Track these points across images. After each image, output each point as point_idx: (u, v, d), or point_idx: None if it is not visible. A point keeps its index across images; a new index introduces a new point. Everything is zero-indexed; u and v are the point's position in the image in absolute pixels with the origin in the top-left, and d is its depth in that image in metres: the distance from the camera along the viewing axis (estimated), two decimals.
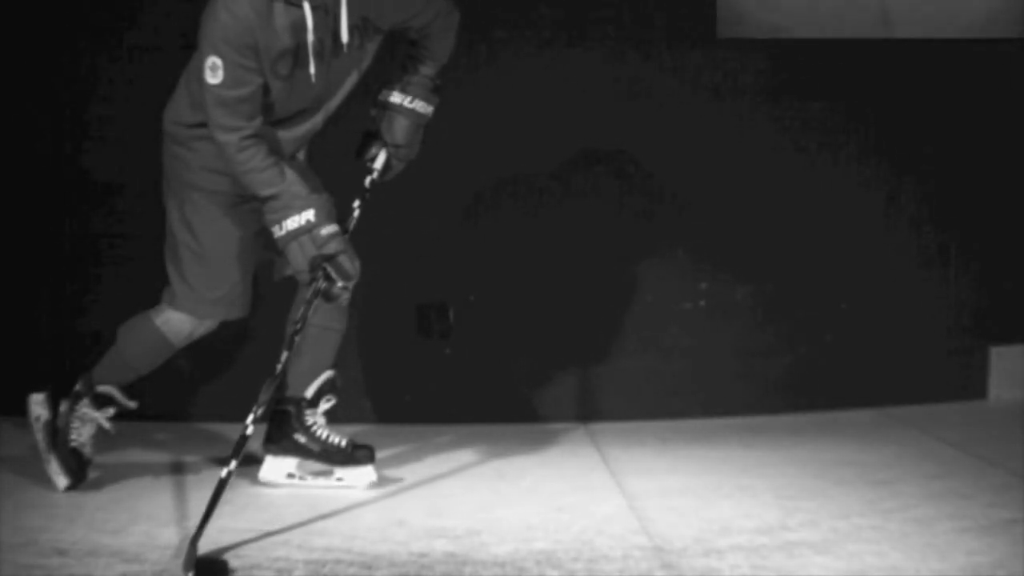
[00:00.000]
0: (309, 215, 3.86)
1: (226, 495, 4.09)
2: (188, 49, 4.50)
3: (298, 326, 3.90)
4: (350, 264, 3.88)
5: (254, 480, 4.25)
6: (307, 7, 3.81)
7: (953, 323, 5.46)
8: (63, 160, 5.06)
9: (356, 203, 4.03)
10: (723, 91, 5.26)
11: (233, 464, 3.67)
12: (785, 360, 5.36)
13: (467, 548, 3.57)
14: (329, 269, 3.87)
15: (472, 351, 5.18)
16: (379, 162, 4.09)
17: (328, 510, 3.94)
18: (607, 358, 5.27)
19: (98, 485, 4.17)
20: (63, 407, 4.12)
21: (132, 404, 4.16)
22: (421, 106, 4.09)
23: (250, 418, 3.77)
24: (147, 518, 3.81)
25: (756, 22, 5.18)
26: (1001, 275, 5.45)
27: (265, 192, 3.86)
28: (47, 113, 5.05)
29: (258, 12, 3.77)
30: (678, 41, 5.22)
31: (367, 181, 4.08)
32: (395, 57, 4.13)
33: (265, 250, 4.14)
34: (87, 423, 4.13)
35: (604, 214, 5.23)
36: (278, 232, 3.88)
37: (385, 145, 4.09)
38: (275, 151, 3.92)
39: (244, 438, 3.76)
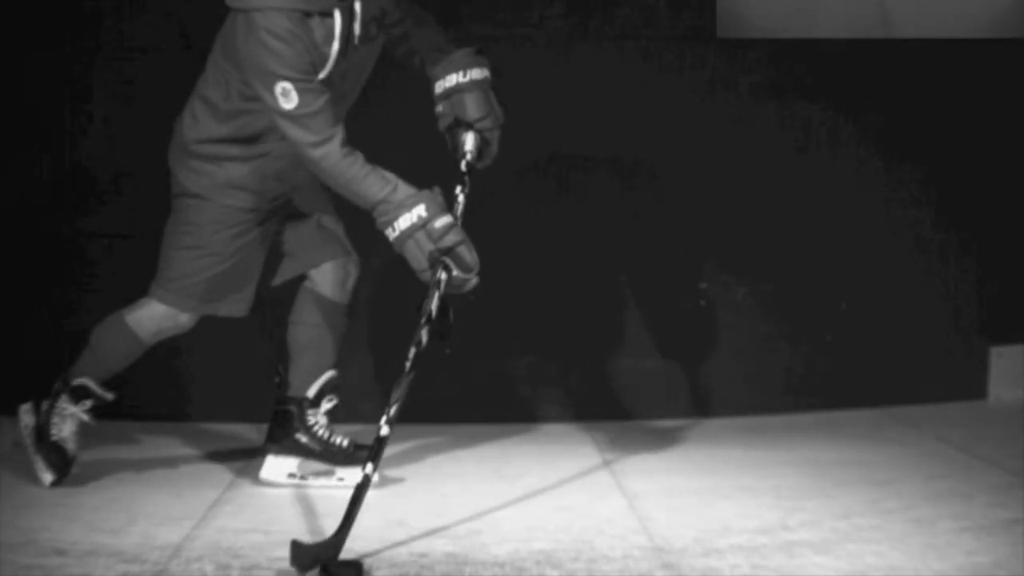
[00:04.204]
0: (420, 210, 3.76)
1: (226, 495, 4.10)
2: (188, 49, 4.51)
3: (423, 320, 3.77)
4: (469, 254, 3.80)
5: (255, 480, 4.25)
6: (337, 14, 3.83)
7: (953, 323, 5.46)
8: (62, 159, 5.06)
9: (457, 189, 3.95)
10: (723, 91, 5.26)
11: (370, 467, 3.59)
12: (785, 360, 5.36)
13: (467, 548, 3.57)
14: (449, 262, 3.78)
15: (472, 351, 5.17)
16: (470, 144, 4.03)
17: (328, 510, 3.94)
18: (607, 358, 5.27)
19: (97, 485, 4.17)
20: (44, 405, 4.16)
21: (109, 396, 4.17)
22: (478, 73, 4.04)
23: (383, 419, 3.69)
24: (146, 518, 3.81)
25: (756, 22, 5.18)
26: (1001, 275, 5.45)
27: (376, 197, 3.78)
28: (47, 113, 5.04)
29: (301, 27, 3.78)
30: (678, 41, 5.22)
31: (462, 164, 4.01)
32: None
33: (268, 254, 4.16)
34: (67, 418, 4.15)
35: (604, 214, 5.23)
36: (392, 234, 3.78)
37: (470, 127, 4.03)
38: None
39: (380, 440, 3.67)
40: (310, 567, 3.35)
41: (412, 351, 3.75)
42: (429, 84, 4.11)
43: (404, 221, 3.77)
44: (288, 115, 3.78)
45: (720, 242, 5.29)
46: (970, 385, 5.49)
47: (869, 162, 5.35)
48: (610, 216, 5.23)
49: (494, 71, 4.10)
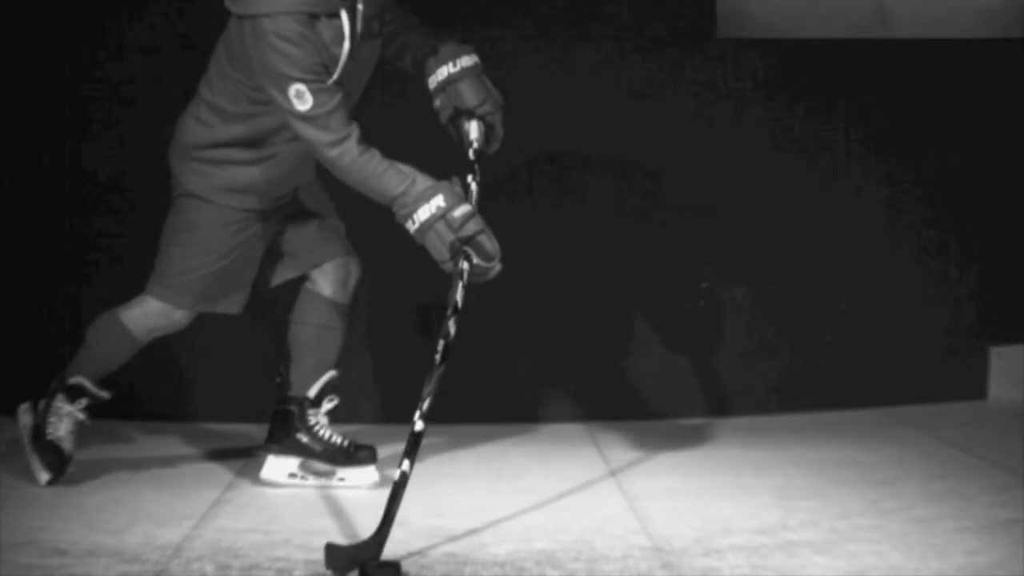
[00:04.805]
0: (439, 201, 3.76)
1: (226, 495, 4.10)
2: (188, 49, 4.50)
3: (448, 311, 3.76)
4: (490, 242, 3.80)
5: (255, 480, 4.25)
6: (344, 15, 3.84)
7: (953, 323, 5.46)
8: (63, 160, 5.06)
9: (469, 178, 3.94)
10: (723, 91, 5.27)
11: (407, 463, 3.52)
12: (785, 360, 5.36)
13: (467, 548, 3.57)
14: (470, 251, 3.77)
15: (472, 351, 5.17)
16: (475, 132, 4.04)
17: (328, 510, 3.94)
18: (607, 358, 5.27)
19: (97, 485, 4.17)
20: (41, 405, 4.16)
21: (105, 395, 4.17)
22: (467, 60, 4.06)
23: (417, 414, 3.63)
24: (147, 518, 3.81)
25: (756, 22, 5.18)
26: (1001, 275, 5.45)
27: (394, 191, 3.79)
28: (47, 113, 5.05)
29: (309, 28, 3.79)
30: (678, 41, 5.23)
31: (471, 153, 4.01)
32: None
33: (270, 254, 4.17)
34: (63, 417, 4.15)
35: (604, 214, 5.23)
36: (412, 227, 3.79)
37: (471, 115, 4.05)
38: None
39: (415, 436, 3.60)
40: (348, 569, 3.33)
41: (441, 344, 3.73)
42: (422, 80, 4.12)
43: (423, 213, 3.77)
44: (304, 116, 3.78)
45: (720, 242, 5.30)
46: (970, 385, 5.49)
47: (869, 162, 5.35)
48: (610, 216, 5.23)
49: (495, 72, 4.11)
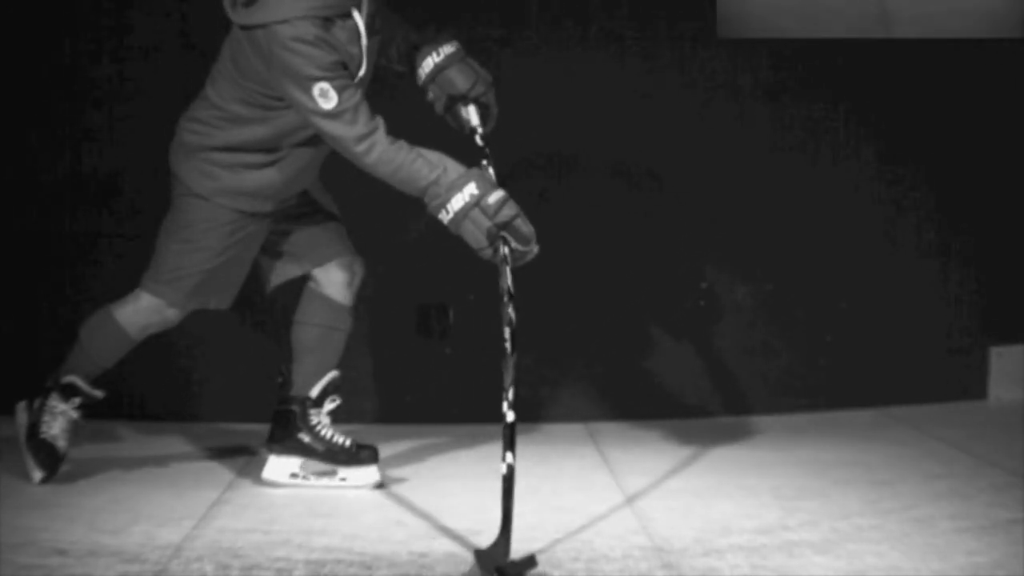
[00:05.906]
0: (471, 188, 3.75)
1: (226, 495, 4.10)
2: (188, 49, 4.49)
3: (505, 299, 3.74)
4: (526, 226, 3.79)
5: (256, 480, 4.26)
6: (356, 15, 3.86)
7: (953, 323, 5.46)
8: (62, 160, 5.06)
9: (484, 164, 3.92)
10: (723, 91, 5.27)
11: (510, 456, 3.49)
12: (785, 360, 5.36)
13: (467, 548, 3.57)
14: (507, 236, 3.76)
15: (472, 351, 5.18)
16: (474, 117, 4.04)
17: (328, 510, 3.94)
18: (607, 358, 5.27)
19: (97, 485, 4.17)
20: (36, 403, 4.17)
21: (98, 394, 4.17)
22: (447, 49, 4.06)
23: (505, 405, 3.58)
24: (147, 518, 3.81)
25: (756, 22, 5.18)
26: (1001, 275, 5.45)
27: (426, 180, 3.78)
28: (47, 113, 5.05)
29: (325, 31, 3.80)
30: (678, 41, 5.23)
31: (476, 139, 4.00)
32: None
33: (273, 255, 4.19)
34: (57, 416, 4.15)
35: (604, 214, 5.23)
36: (446, 217, 3.77)
37: (465, 100, 4.04)
38: (320, 154, 3.99)
39: (509, 426, 3.55)
40: (492, 571, 3.33)
41: (507, 331, 3.70)
42: (409, 73, 4.13)
43: (457, 201, 3.76)
44: (331, 114, 3.79)
45: (721, 242, 5.30)
46: (970, 385, 5.49)
47: (869, 162, 5.36)
48: (610, 216, 5.23)
49: (496, 72, 4.12)
